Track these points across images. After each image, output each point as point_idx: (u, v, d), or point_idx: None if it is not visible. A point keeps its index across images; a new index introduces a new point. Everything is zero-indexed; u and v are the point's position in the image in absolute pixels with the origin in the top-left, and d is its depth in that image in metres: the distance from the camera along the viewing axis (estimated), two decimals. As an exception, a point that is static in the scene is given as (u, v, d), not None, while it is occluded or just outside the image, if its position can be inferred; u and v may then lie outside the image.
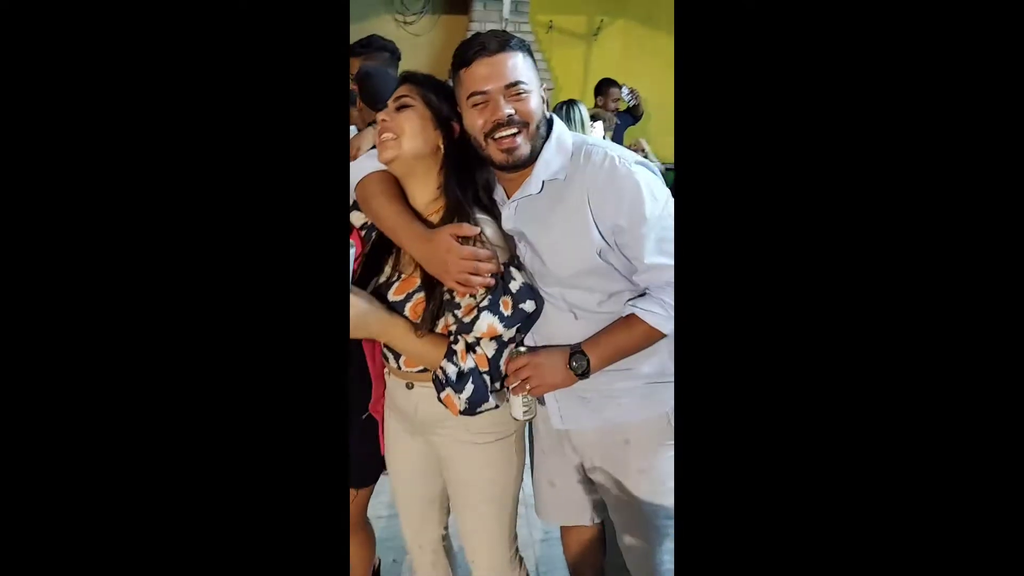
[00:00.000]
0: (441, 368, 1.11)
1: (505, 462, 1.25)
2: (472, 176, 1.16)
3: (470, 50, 1.09)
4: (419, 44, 4.65)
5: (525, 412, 1.17)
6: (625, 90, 3.96)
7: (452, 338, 1.12)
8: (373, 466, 1.43)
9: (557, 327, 1.17)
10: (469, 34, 4.61)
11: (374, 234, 1.21)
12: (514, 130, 1.07)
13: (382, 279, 1.17)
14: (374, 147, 1.18)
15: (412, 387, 1.21)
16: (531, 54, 1.12)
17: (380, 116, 1.13)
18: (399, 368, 1.21)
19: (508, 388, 1.16)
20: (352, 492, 1.43)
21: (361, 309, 1.07)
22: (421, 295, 1.12)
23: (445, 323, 1.12)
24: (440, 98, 1.14)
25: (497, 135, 1.08)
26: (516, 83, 1.06)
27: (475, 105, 1.09)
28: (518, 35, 1.12)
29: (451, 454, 1.24)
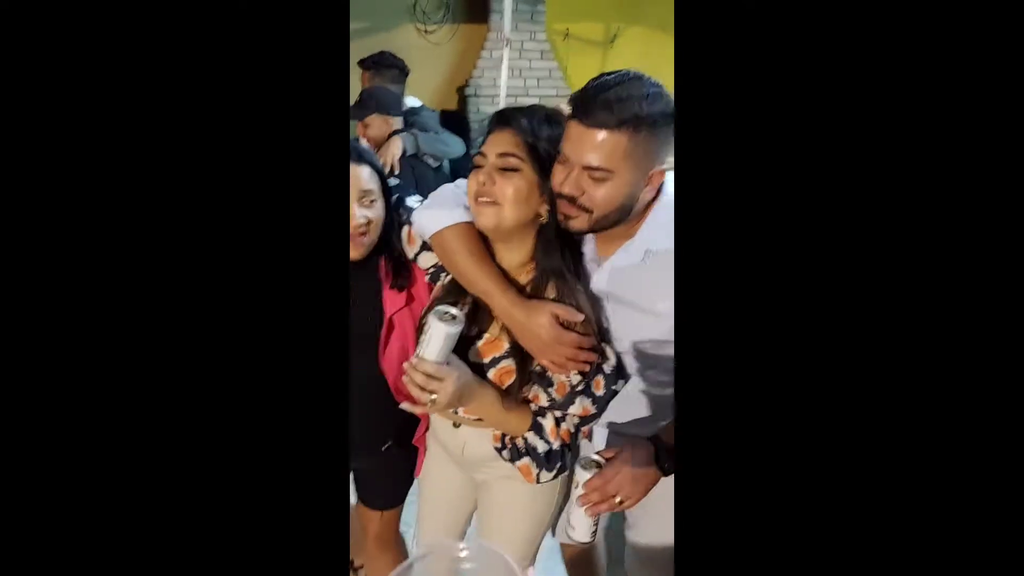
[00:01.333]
0: (524, 439, 1.07)
1: (548, 500, 1.20)
2: (570, 240, 1.04)
3: (575, 107, 0.94)
4: (440, 53, 4.74)
5: (592, 534, 1.03)
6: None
7: (538, 410, 1.06)
8: (404, 487, 1.43)
9: (624, 403, 1.10)
10: (487, 43, 4.66)
11: (446, 278, 1.14)
12: (574, 209, 0.96)
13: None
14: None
15: (459, 427, 1.16)
16: (663, 126, 0.91)
17: (479, 176, 1.01)
18: (455, 412, 1.13)
19: (579, 506, 1.00)
20: (378, 514, 1.43)
21: (460, 383, 0.98)
22: (510, 363, 1.04)
23: (534, 395, 1.05)
24: (548, 146, 0.99)
25: (565, 202, 0.97)
26: (595, 168, 0.92)
27: (560, 162, 0.98)
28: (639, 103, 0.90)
29: (494, 489, 1.21)
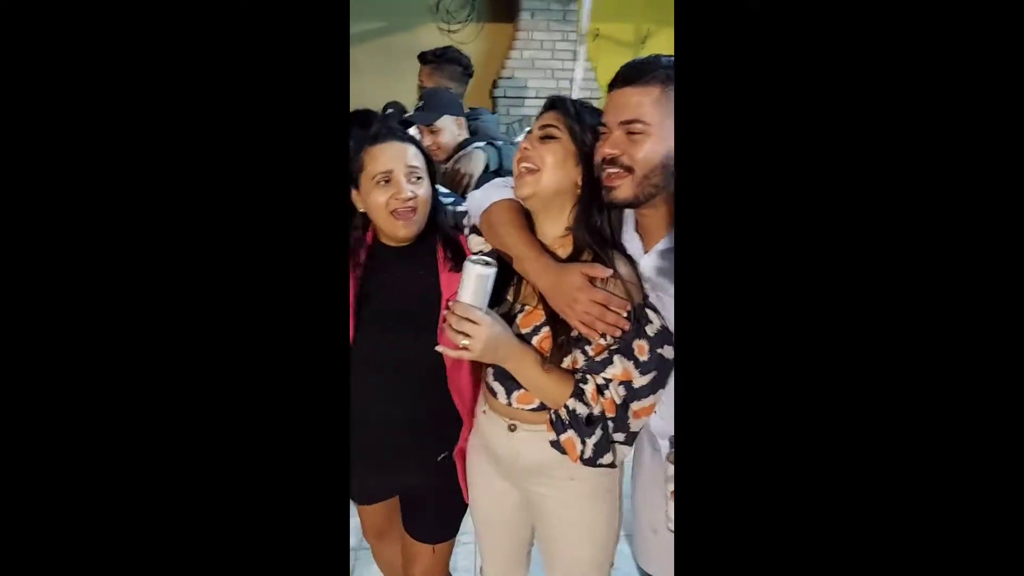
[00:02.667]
0: (566, 407, 1.06)
1: (610, 511, 1.19)
2: (606, 214, 1.08)
3: (616, 78, 1.03)
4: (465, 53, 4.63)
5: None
6: None
7: (580, 377, 1.06)
8: (457, 515, 1.35)
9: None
10: (516, 43, 4.57)
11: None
12: (616, 170, 1.01)
13: (503, 309, 1.12)
14: (496, 174, 1.18)
15: (515, 429, 1.15)
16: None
17: (523, 144, 1.08)
18: (509, 405, 1.15)
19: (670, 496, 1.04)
20: (430, 548, 1.34)
21: (494, 332, 1.02)
22: (548, 329, 1.07)
23: (572, 360, 1.07)
24: (587, 130, 1.07)
25: (605, 169, 1.03)
26: (631, 121, 0.99)
27: (602, 135, 1.05)
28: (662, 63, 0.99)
29: (551, 501, 1.18)
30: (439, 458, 1.27)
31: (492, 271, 1.00)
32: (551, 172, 1.06)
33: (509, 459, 1.17)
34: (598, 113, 1.07)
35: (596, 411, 1.04)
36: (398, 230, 1.18)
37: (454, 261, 1.21)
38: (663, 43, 4.72)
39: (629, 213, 1.12)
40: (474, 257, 1.01)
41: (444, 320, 1.03)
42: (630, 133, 0.99)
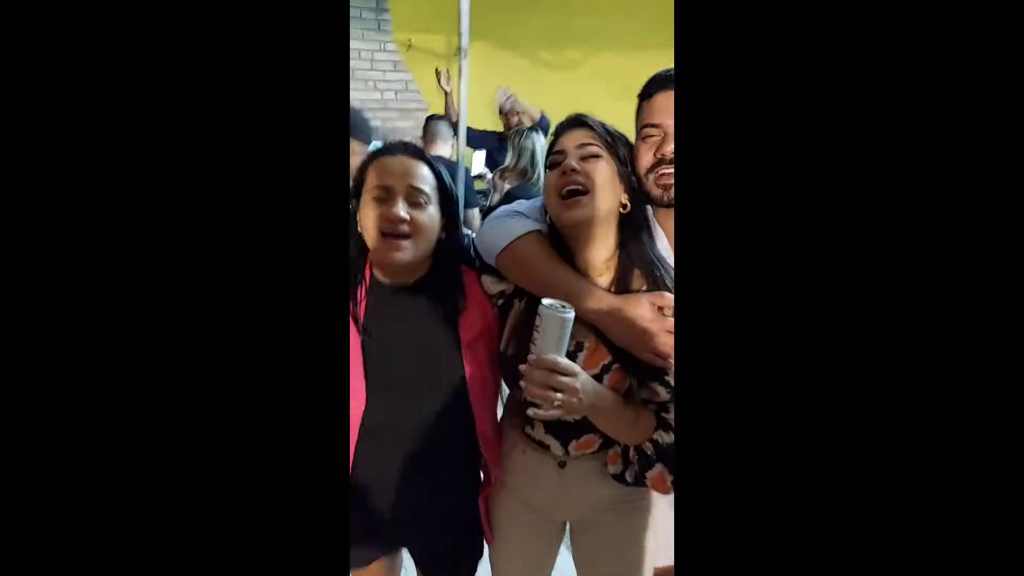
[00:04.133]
0: (653, 442, 1.02)
1: (649, 522, 1.15)
2: (651, 235, 1.05)
3: (655, 83, 1.03)
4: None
5: None
6: (500, 94, 3.59)
7: (660, 407, 1.02)
8: (475, 559, 1.25)
9: None
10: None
11: (520, 303, 1.08)
12: (668, 174, 1.01)
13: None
14: (505, 207, 1.08)
15: (565, 465, 1.09)
16: None
17: (563, 169, 1.00)
18: (567, 455, 1.08)
19: None
20: None
21: (587, 382, 0.93)
22: (618, 366, 1.01)
23: (652, 393, 1.02)
24: (621, 144, 1.03)
25: (659, 170, 1.02)
26: None
27: (646, 138, 1.04)
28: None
29: (599, 525, 1.13)
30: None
31: (572, 317, 0.90)
32: (603, 192, 0.99)
33: (555, 497, 1.12)
34: (621, 134, 1.05)
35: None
36: (383, 255, 1.02)
37: (468, 307, 1.09)
38: (476, 56, 4.90)
39: (658, 230, 1.09)
40: (548, 302, 0.91)
41: (526, 378, 0.91)
42: None
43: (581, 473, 1.09)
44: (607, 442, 1.06)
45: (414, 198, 1.02)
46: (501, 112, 3.54)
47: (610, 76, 4.25)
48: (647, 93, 1.05)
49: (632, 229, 1.02)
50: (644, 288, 1.00)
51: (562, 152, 1.02)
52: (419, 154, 1.07)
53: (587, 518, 1.13)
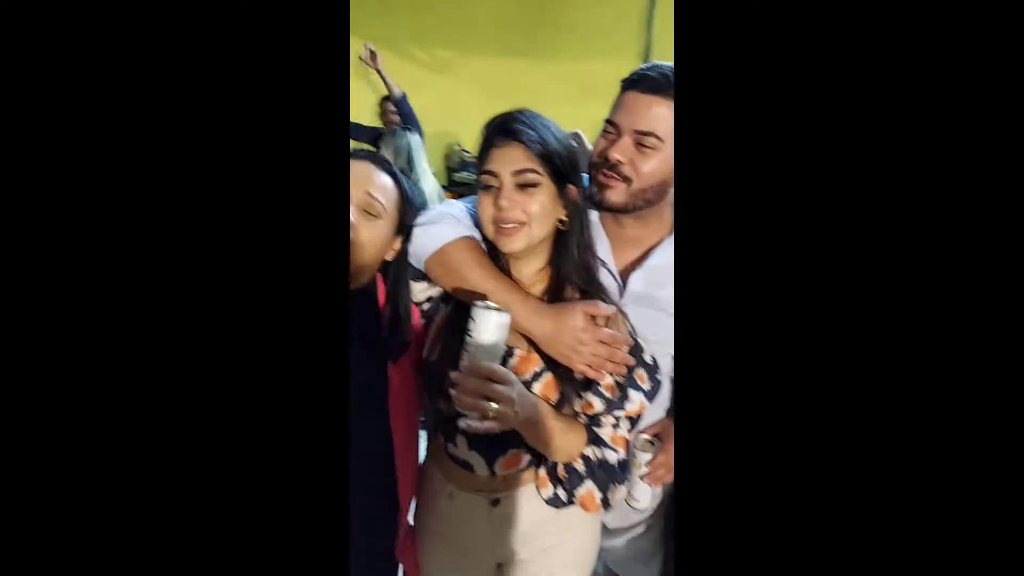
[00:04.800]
0: (584, 458, 0.97)
1: (596, 536, 1.12)
2: (587, 244, 0.99)
3: (629, 79, 1.00)
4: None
5: (652, 501, 1.07)
6: (364, 50, 3.49)
7: (591, 420, 0.97)
8: None
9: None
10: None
11: (447, 307, 1.02)
12: (614, 175, 0.99)
13: None
14: (440, 206, 1.02)
15: (499, 503, 1.01)
16: None
17: (497, 200, 0.91)
18: (492, 475, 0.99)
19: (641, 479, 1.05)
20: None
21: (522, 390, 0.87)
22: (551, 375, 0.95)
23: (585, 405, 0.97)
24: (562, 156, 0.92)
25: (600, 171, 1.01)
26: (647, 133, 0.97)
27: (603, 134, 1.02)
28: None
29: (541, 562, 1.06)
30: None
31: (508, 319, 0.84)
32: (540, 223, 0.93)
33: (488, 536, 1.03)
34: (563, 135, 0.96)
35: (622, 455, 0.97)
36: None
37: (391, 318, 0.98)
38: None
39: (600, 236, 1.07)
40: (482, 303, 0.84)
41: (458, 387, 0.83)
42: (641, 144, 0.97)
43: (515, 507, 1.02)
44: (535, 459, 1.00)
45: (366, 205, 0.90)
46: (361, 61, 3.49)
47: (484, 79, 4.33)
48: (626, 83, 1.02)
49: (568, 239, 0.97)
50: (577, 297, 0.97)
51: (495, 175, 0.92)
52: (375, 160, 0.96)
53: (524, 558, 1.06)
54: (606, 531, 1.21)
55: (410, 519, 1.11)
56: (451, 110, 4.34)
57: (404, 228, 0.97)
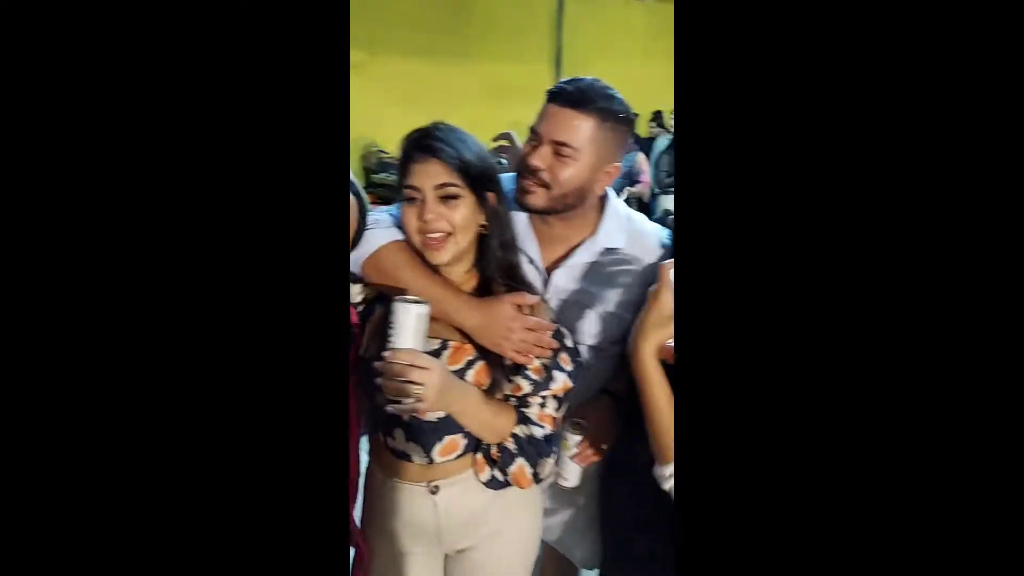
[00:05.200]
0: (515, 435, 1.03)
1: (538, 517, 1.18)
2: (511, 241, 1.06)
3: (551, 91, 1.08)
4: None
5: (580, 479, 1.15)
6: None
7: (519, 402, 1.04)
8: None
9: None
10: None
11: (381, 307, 1.06)
12: (535, 180, 1.08)
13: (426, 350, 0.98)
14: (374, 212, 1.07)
15: (438, 491, 1.06)
16: (623, 127, 1.09)
17: (422, 213, 0.98)
18: (430, 463, 1.04)
19: (570, 459, 1.13)
20: None
21: (444, 374, 0.93)
22: (482, 363, 1.03)
23: (515, 387, 1.04)
24: (479, 165, 1.00)
25: (526, 175, 1.09)
26: (562, 143, 1.05)
27: (529, 140, 1.10)
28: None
29: (483, 549, 1.11)
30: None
31: (427, 310, 0.91)
32: (463, 233, 1.00)
33: (434, 528, 1.07)
34: (478, 144, 1.03)
35: (548, 431, 1.04)
36: None
37: None
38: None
39: (526, 228, 1.16)
40: (401, 297, 0.91)
41: (382, 373, 0.89)
42: (558, 153, 1.05)
43: (454, 495, 1.06)
44: (472, 444, 1.07)
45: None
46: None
47: (397, 80, 4.36)
48: (550, 95, 1.09)
49: (490, 241, 1.04)
50: (504, 290, 1.04)
51: (417, 190, 0.99)
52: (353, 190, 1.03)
53: (470, 545, 1.11)
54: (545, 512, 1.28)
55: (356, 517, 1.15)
56: (365, 112, 4.32)
57: (358, 237, 1.04)
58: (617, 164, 1.13)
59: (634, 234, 1.18)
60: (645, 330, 0.94)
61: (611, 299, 1.16)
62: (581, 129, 1.06)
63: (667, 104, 5.77)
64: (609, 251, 1.16)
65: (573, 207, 1.12)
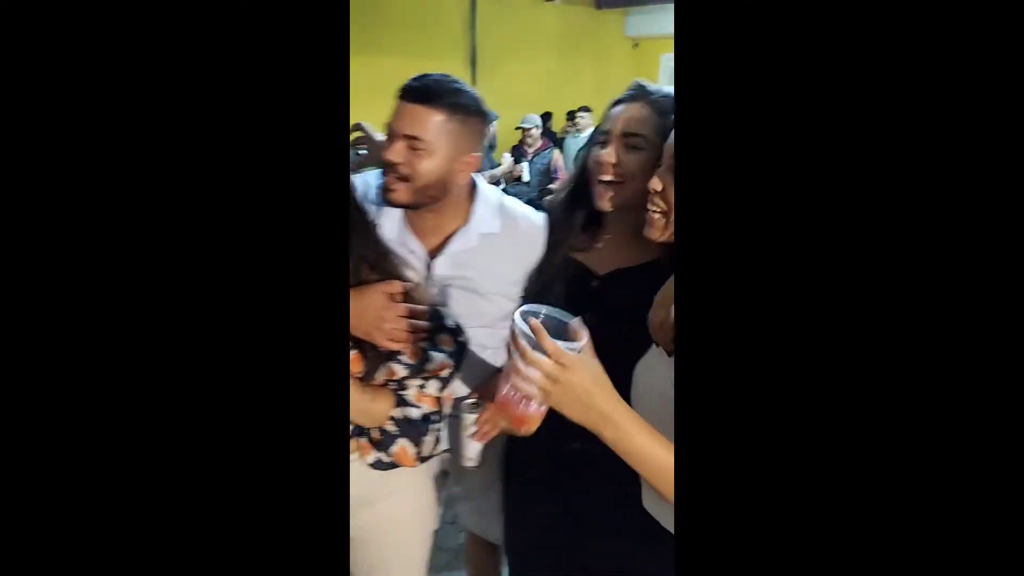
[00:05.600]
0: (392, 418, 1.06)
1: (432, 499, 1.22)
2: (377, 231, 1.10)
3: (405, 88, 1.12)
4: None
5: (481, 457, 1.19)
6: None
7: (396, 386, 1.07)
8: None
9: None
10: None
11: None
12: (395, 180, 1.13)
13: None
14: None
15: None
16: (474, 119, 1.14)
17: None
18: None
19: (470, 438, 1.17)
20: None
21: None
22: (355, 352, 1.05)
23: (389, 372, 1.07)
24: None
25: (388, 172, 1.14)
26: (414, 137, 1.09)
27: (387, 138, 1.14)
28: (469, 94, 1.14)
29: (379, 527, 1.16)
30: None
31: None
32: None
33: None
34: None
35: (425, 410, 1.07)
36: None
37: None
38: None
39: (401, 222, 1.20)
40: None
41: None
42: (413, 148, 1.10)
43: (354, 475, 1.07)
44: (355, 429, 1.09)
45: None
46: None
47: None
48: (401, 94, 1.13)
49: (359, 231, 1.05)
50: (375, 279, 1.05)
51: None
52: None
53: (361, 524, 1.13)
54: (457, 496, 1.37)
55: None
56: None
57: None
58: (476, 155, 1.18)
59: (509, 219, 1.22)
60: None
61: (493, 281, 1.20)
62: (431, 123, 1.10)
63: (580, 103, 5.88)
64: (485, 236, 1.20)
65: (438, 198, 1.16)
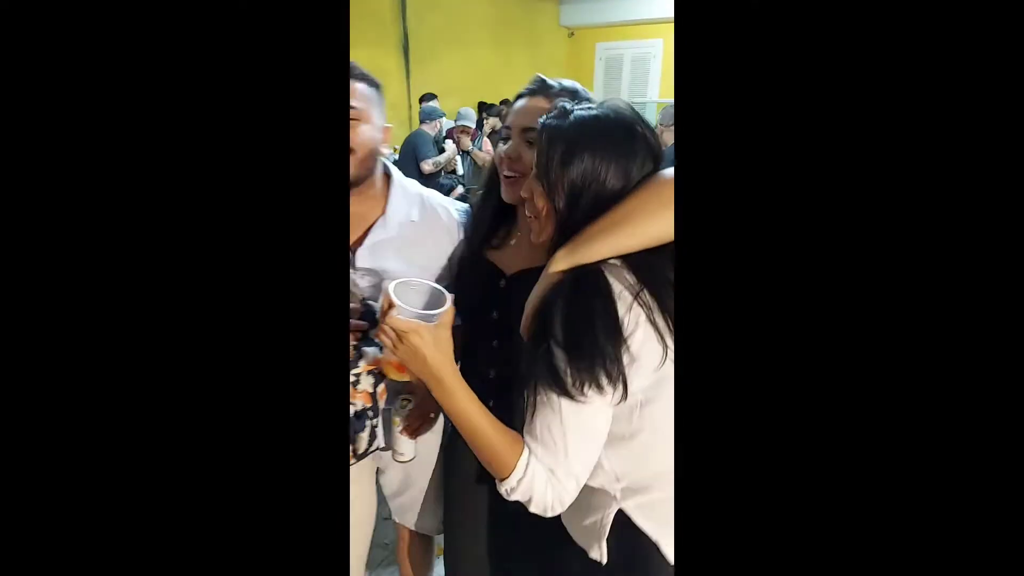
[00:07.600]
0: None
1: (372, 493, 1.25)
2: None
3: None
4: None
5: (414, 451, 1.19)
6: None
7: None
8: None
9: None
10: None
11: None
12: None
13: None
14: None
15: None
16: (374, 88, 1.16)
17: None
18: None
19: (400, 434, 1.17)
20: None
21: None
22: None
23: None
24: None
25: None
26: (351, 107, 1.09)
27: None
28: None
29: None
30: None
31: None
32: None
33: None
34: None
35: (359, 407, 1.08)
36: None
37: None
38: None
39: None
40: None
41: None
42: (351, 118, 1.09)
43: None
44: None
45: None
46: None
47: None
48: None
49: None
50: None
51: None
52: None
53: None
54: (393, 492, 1.40)
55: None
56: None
57: None
58: (388, 125, 1.20)
59: (428, 209, 1.23)
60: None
61: (414, 272, 1.16)
62: (357, 90, 1.12)
63: (515, 92, 5.84)
64: (402, 225, 1.19)
65: (370, 172, 1.17)
